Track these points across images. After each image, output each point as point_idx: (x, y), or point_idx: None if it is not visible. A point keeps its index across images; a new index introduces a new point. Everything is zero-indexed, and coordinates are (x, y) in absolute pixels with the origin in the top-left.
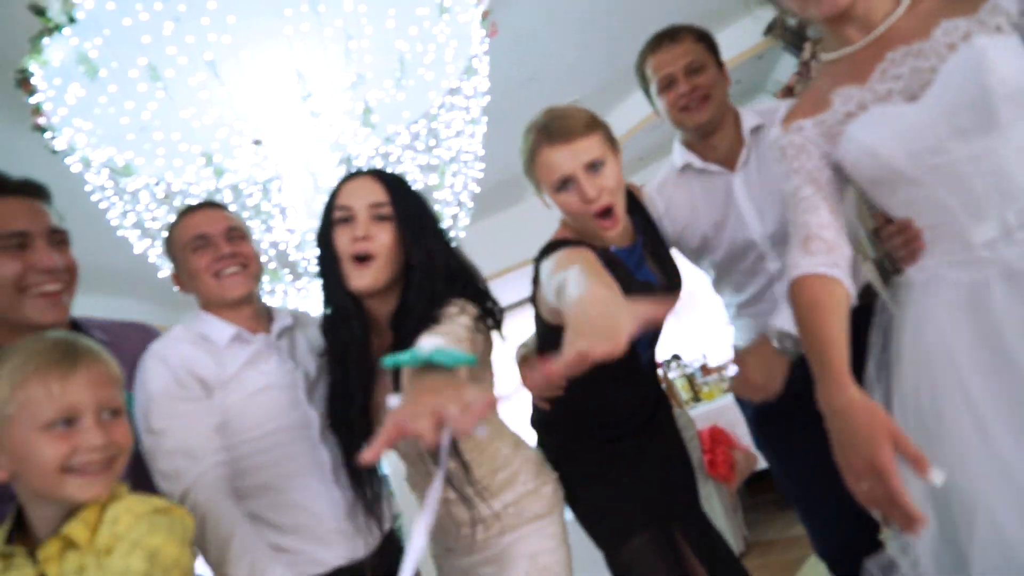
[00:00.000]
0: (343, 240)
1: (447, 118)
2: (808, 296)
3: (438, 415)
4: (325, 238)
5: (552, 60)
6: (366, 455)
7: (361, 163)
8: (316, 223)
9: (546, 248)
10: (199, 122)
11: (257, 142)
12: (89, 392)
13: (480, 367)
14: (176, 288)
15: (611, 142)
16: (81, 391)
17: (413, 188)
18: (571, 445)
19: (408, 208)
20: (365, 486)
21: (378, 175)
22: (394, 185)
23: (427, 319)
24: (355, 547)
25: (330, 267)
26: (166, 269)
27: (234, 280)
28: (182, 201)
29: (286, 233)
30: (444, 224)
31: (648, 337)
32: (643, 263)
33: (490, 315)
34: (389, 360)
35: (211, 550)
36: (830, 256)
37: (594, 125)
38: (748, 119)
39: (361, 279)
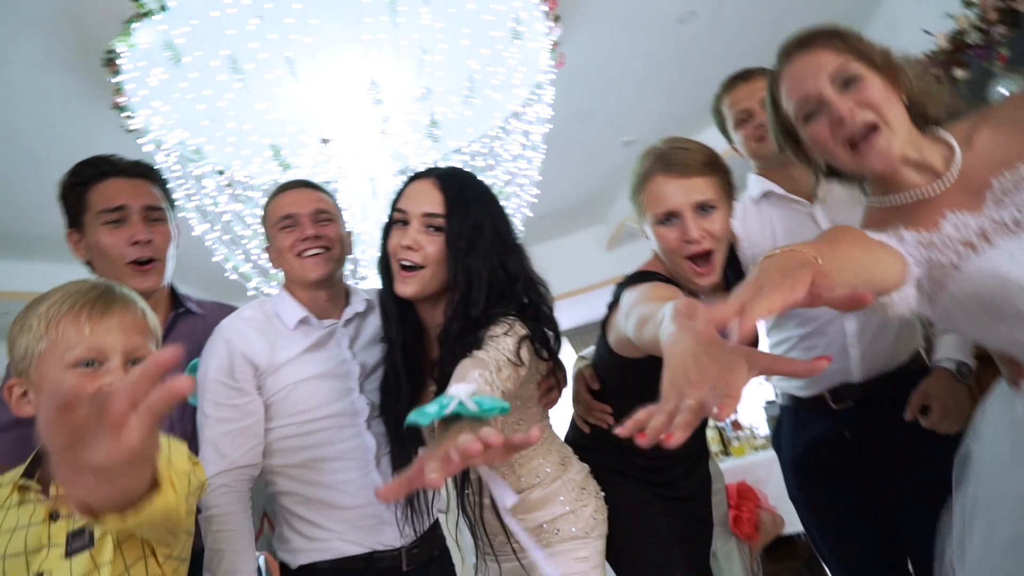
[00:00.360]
0: (394, 242)
1: (508, 141)
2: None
3: (448, 460)
4: (384, 235)
5: (612, 98)
6: (381, 492)
7: None
8: (369, 227)
9: (634, 276)
10: (271, 116)
11: (326, 140)
12: (119, 336)
13: (526, 390)
14: (269, 262)
15: (727, 188)
16: (111, 334)
17: (482, 196)
18: (610, 474)
19: (463, 223)
20: None
21: (443, 181)
22: (455, 195)
23: (468, 341)
24: (392, 534)
25: (384, 265)
26: (219, 255)
27: (314, 262)
28: (243, 191)
29: None
30: (512, 238)
31: None
32: None
33: (542, 339)
34: (413, 416)
35: (206, 551)
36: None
37: (714, 167)
38: None
39: (405, 287)
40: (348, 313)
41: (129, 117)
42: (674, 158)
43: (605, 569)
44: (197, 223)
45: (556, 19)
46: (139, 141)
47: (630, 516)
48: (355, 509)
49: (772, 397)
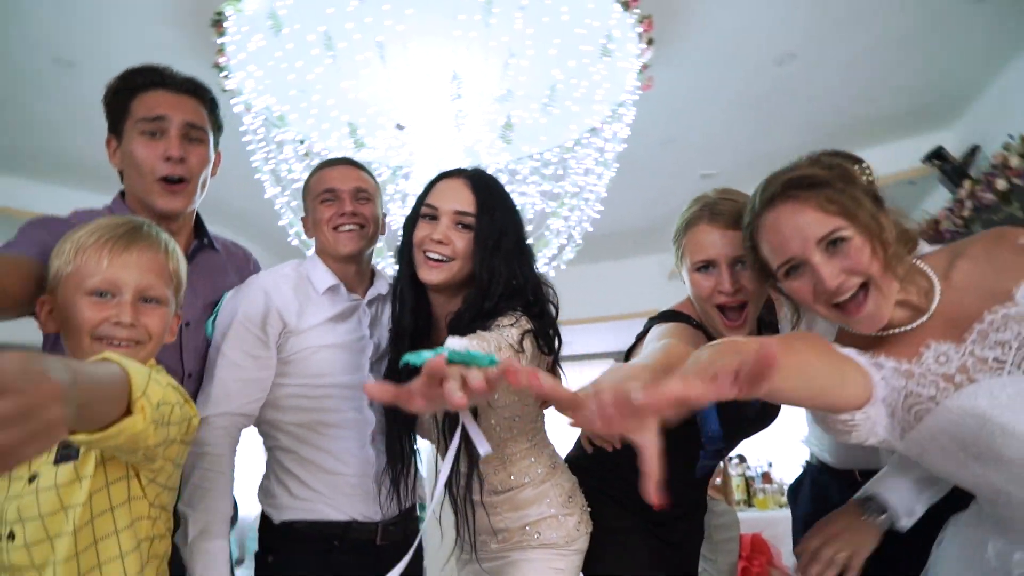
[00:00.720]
0: (421, 234)
1: (581, 154)
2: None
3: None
4: (409, 227)
5: (697, 129)
6: (370, 386)
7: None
8: None
9: (664, 314)
10: (354, 95)
11: (400, 126)
12: (134, 273)
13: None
14: (303, 231)
15: None
16: (127, 270)
17: (505, 200)
18: (604, 498)
19: (491, 223)
20: (398, 457)
21: (473, 182)
22: (484, 197)
23: (476, 327)
24: (373, 508)
25: (405, 254)
26: (285, 219)
27: (348, 237)
28: (319, 162)
29: (400, 218)
30: (526, 242)
31: (713, 449)
32: None
33: (545, 335)
34: (408, 356)
35: (188, 485)
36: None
37: None
38: None
39: (432, 275)
40: (372, 293)
41: (226, 77)
42: (720, 208)
43: None
44: (270, 186)
45: (649, 42)
46: (232, 101)
47: (621, 539)
48: (345, 477)
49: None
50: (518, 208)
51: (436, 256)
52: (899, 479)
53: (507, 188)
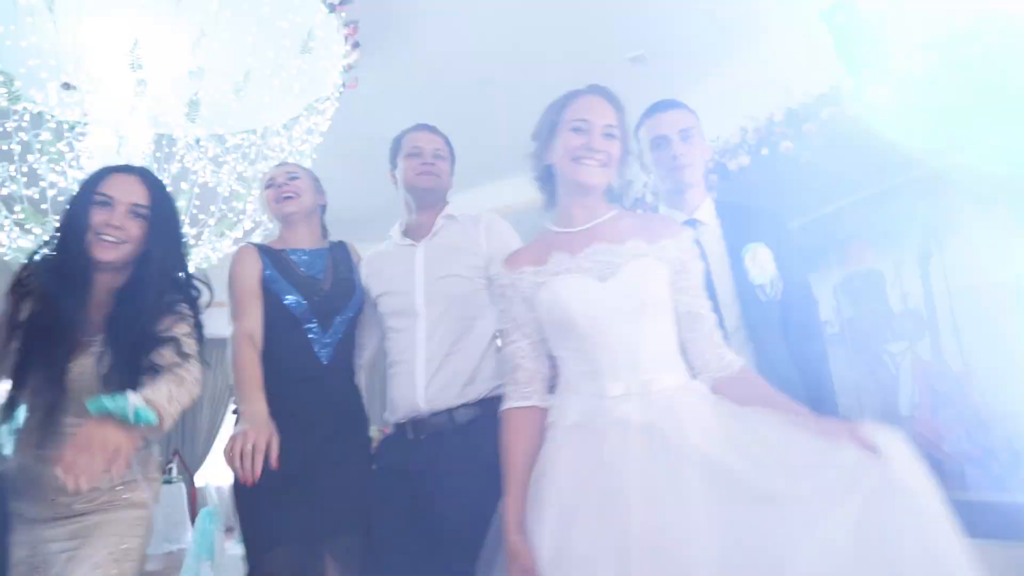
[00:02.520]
0: (99, 219)
1: (277, 142)
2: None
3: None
4: (78, 215)
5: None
6: None
7: (180, 148)
8: None
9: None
10: (11, 42)
11: (68, 86)
12: None
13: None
14: None
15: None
16: None
17: (171, 201)
18: None
19: (162, 216)
20: None
21: (146, 178)
22: (157, 193)
23: (147, 319)
24: None
25: (72, 237)
26: None
27: (110, 248)
28: None
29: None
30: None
31: (325, 330)
32: (318, 265)
33: (200, 326)
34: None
35: None
36: (529, 386)
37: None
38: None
39: (107, 253)
40: None
41: None
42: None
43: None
44: None
45: (356, 45)
46: None
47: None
48: None
49: None
50: (209, 185)
51: (111, 239)
52: None
53: (198, 163)
